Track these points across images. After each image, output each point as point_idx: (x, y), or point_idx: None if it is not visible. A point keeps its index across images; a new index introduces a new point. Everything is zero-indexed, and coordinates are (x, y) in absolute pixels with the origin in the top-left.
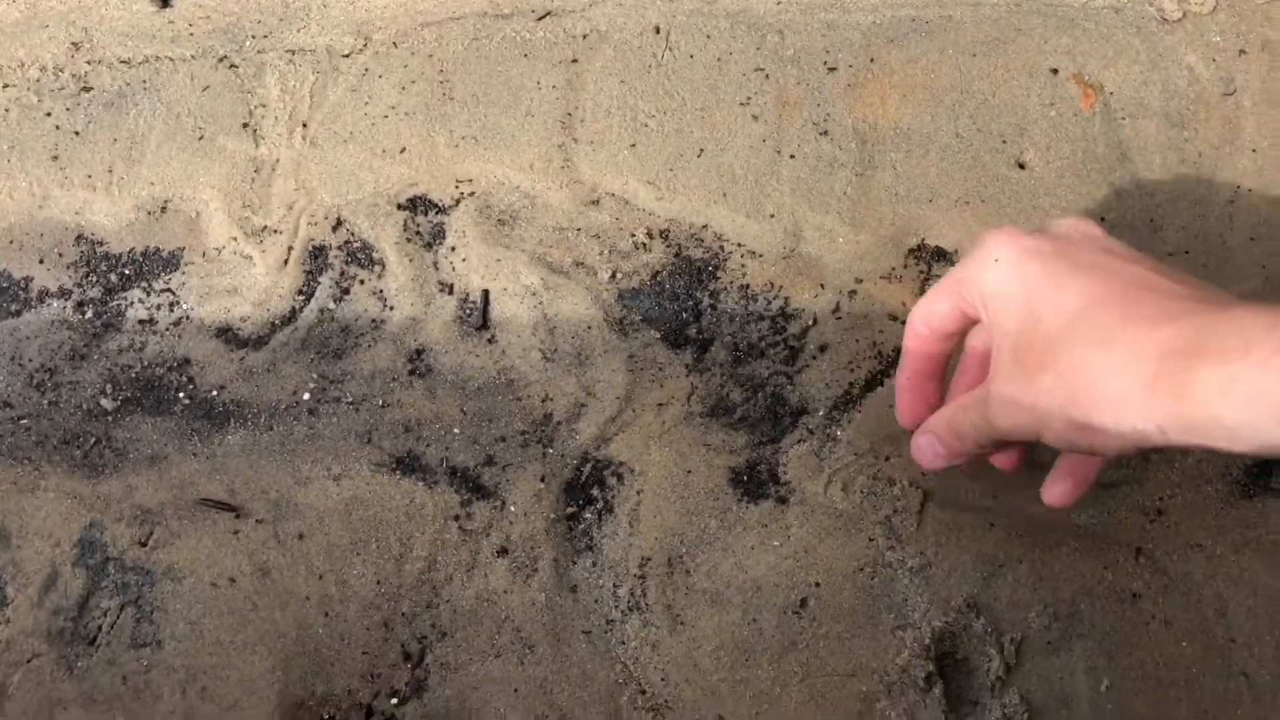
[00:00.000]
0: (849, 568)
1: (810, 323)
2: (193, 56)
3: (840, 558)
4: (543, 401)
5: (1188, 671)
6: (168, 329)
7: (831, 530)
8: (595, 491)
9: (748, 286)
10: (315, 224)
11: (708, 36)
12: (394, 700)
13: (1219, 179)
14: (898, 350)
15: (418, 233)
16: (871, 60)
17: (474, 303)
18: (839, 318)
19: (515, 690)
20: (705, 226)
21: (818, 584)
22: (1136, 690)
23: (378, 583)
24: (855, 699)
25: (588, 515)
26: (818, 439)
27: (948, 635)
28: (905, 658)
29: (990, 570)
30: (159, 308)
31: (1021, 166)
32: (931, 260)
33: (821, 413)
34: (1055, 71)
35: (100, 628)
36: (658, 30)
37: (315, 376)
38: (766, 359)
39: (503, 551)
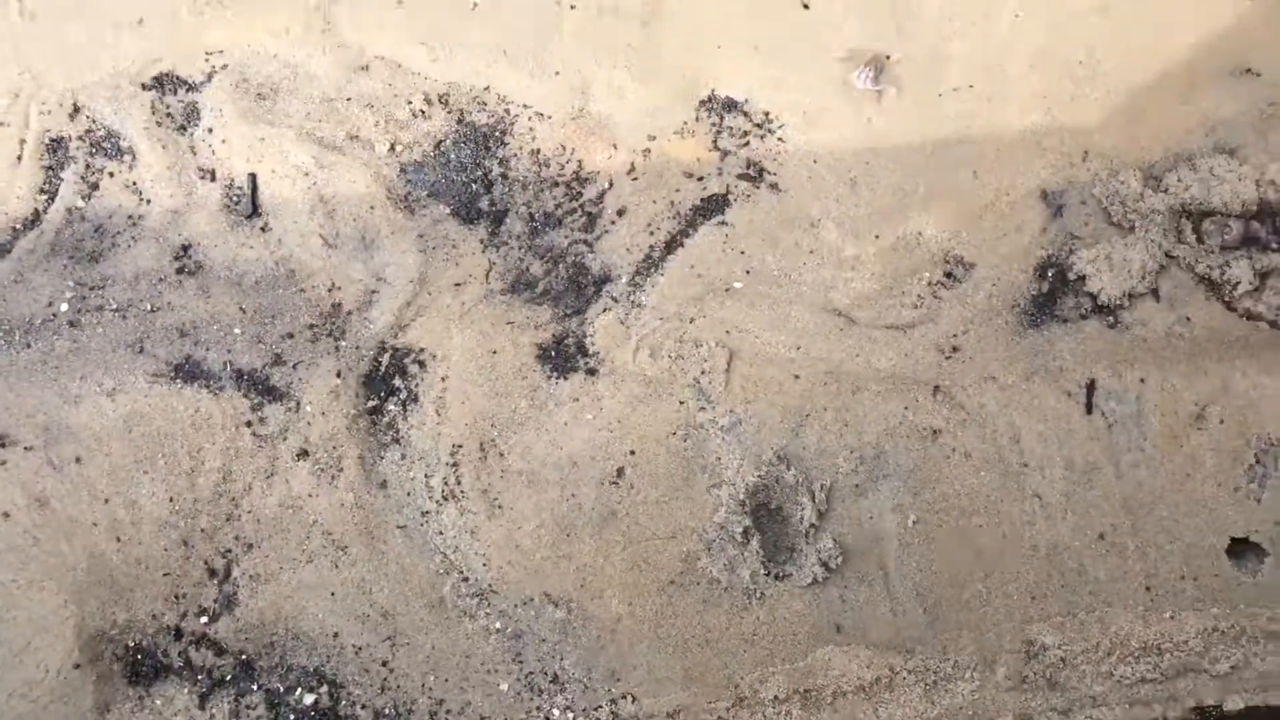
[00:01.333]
0: (662, 433)
1: (606, 186)
2: None
3: (653, 424)
4: (329, 291)
5: (987, 500)
6: None
7: (642, 397)
8: (397, 382)
9: (538, 151)
10: (48, 112)
11: None
12: (204, 619)
13: (998, 7)
14: (695, 209)
15: (168, 114)
16: None
17: (240, 189)
18: (635, 179)
19: (332, 594)
20: (487, 88)
21: (632, 452)
22: (941, 522)
23: (170, 500)
24: (677, 559)
25: (391, 407)
26: (623, 306)
27: (761, 488)
28: (722, 515)
29: (797, 421)
30: None
31: (805, 7)
32: (723, 111)
33: (625, 279)
34: None
35: None
36: None
37: (71, 284)
38: (564, 228)
39: (303, 454)
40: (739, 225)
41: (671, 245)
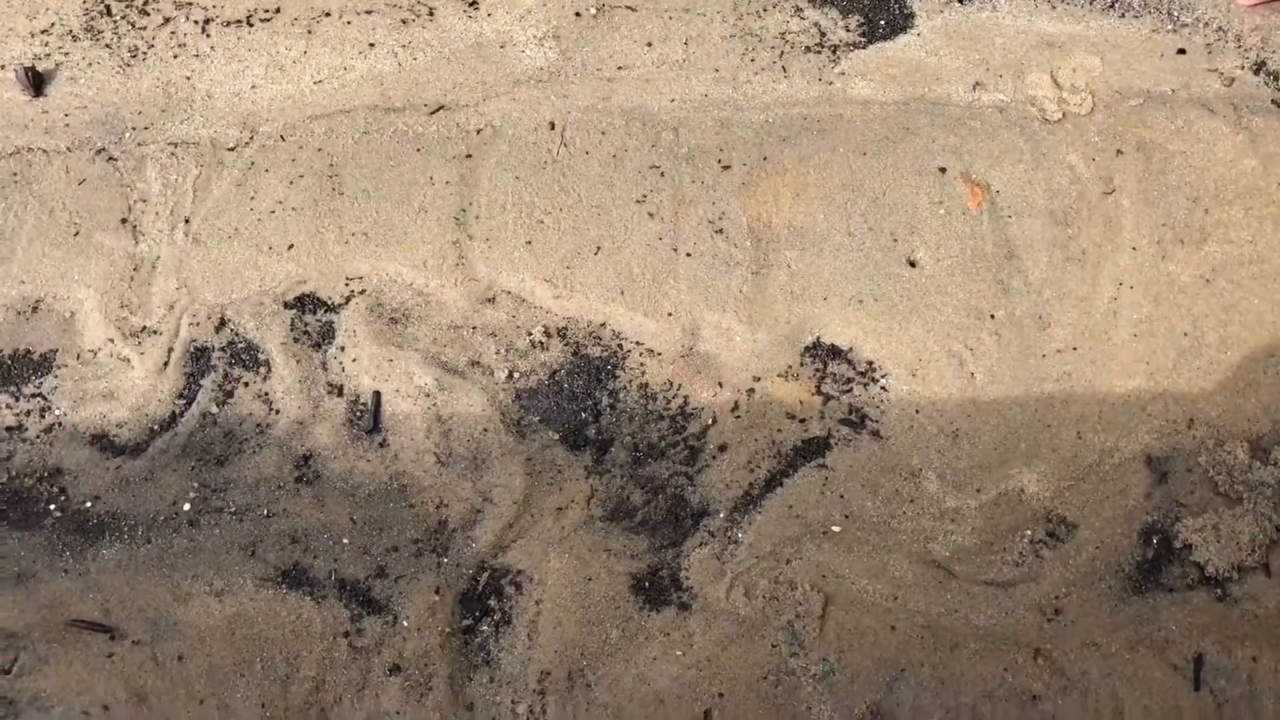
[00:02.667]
0: (752, 676)
1: (709, 422)
2: (68, 148)
3: (743, 666)
4: (437, 508)
5: None
6: (38, 436)
7: (734, 637)
8: (492, 602)
9: (646, 385)
10: (197, 324)
11: (603, 133)
12: None
13: (1102, 276)
14: (796, 449)
15: (305, 332)
16: (765, 159)
17: (365, 405)
18: (738, 416)
19: None
20: (604, 325)
21: (721, 694)
22: None
23: (262, 706)
24: None
25: (484, 628)
26: (719, 542)
27: None
28: None
29: (892, 675)
30: (28, 414)
31: (912, 264)
32: (827, 358)
33: (722, 514)
34: (943, 170)
35: None
36: (553, 126)
37: (196, 485)
38: (666, 459)
39: (395, 669)
40: (839, 469)
41: (771, 484)
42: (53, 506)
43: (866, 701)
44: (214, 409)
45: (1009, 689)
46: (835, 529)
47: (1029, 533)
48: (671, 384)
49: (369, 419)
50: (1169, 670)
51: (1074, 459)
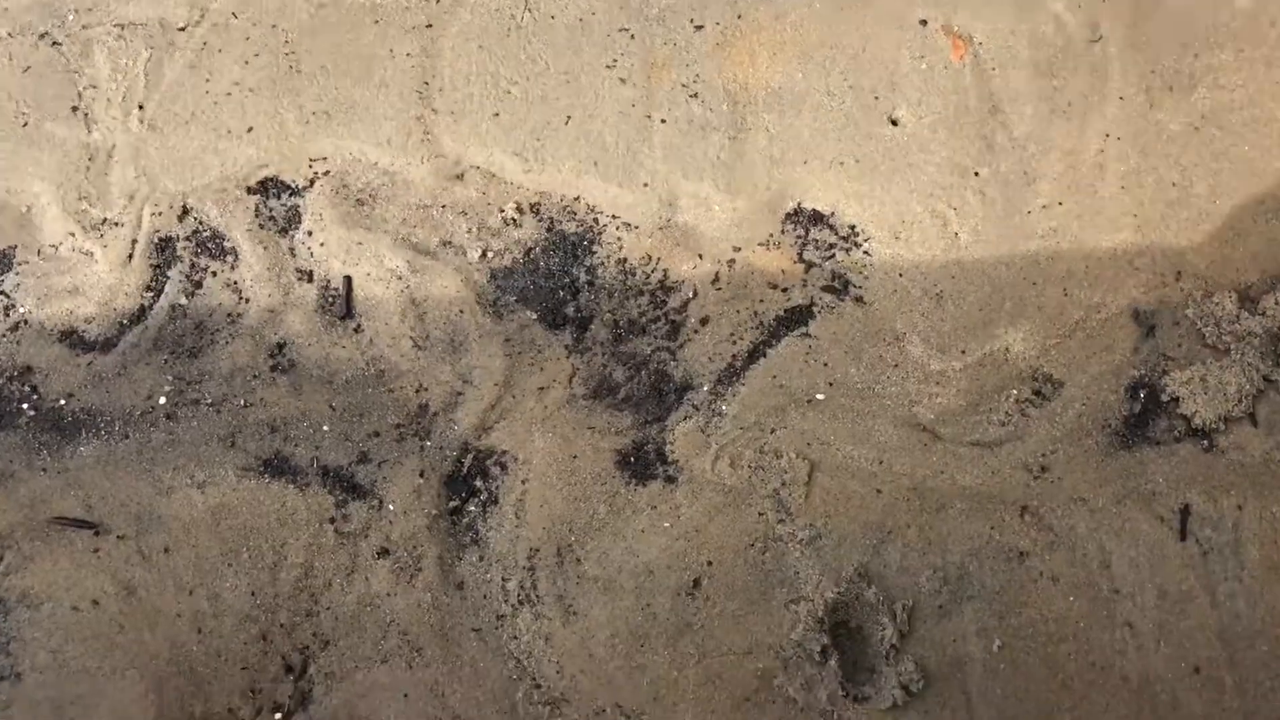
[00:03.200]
0: (740, 544)
1: (690, 295)
2: (9, 34)
3: (731, 534)
4: (417, 392)
5: (1075, 626)
6: (4, 335)
7: (721, 507)
8: (478, 483)
9: (625, 260)
10: (159, 214)
11: None
12: (278, 715)
13: (1088, 127)
14: (779, 319)
15: (271, 218)
16: (739, 17)
17: (336, 290)
18: (719, 288)
19: (405, 695)
20: (577, 198)
21: (710, 563)
22: (1027, 648)
23: (252, 594)
24: (752, 676)
25: (471, 508)
26: (703, 415)
27: (840, 606)
28: (800, 632)
29: (879, 538)
30: None
31: (894, 123)
32: (808, 224)
33: (706, 387)
34: (924, 23)
35: None
36: None
37: (171, 378)
38: (648, 335)
39: (384, 552)
40: (822, 337)
41: (754, 355)
42: (25, 405)
43: (854, 564)
44: (183, 300)
45: (996, 547)
46: (819, 397)
47: (1015, 392)
48: (650, 257)
49: (341, 304)
50: (1156, 522)
51: (1060, 316)
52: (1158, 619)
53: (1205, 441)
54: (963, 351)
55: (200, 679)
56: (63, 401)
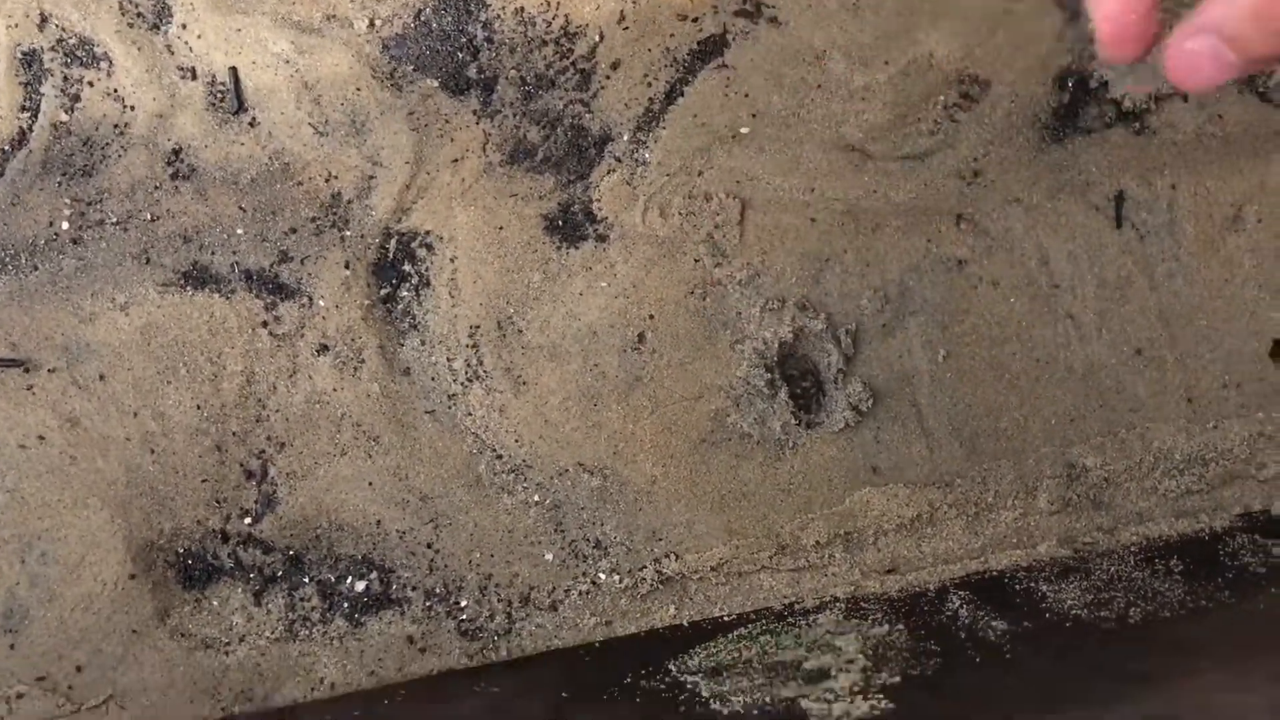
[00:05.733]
0: (679, 293)
1: (597, 39)
2: None
3: (669, 285)
4: (327, 181)
5: (1018, 326)
6: None
7: (656, 259)
8: (407, 267)
9: (522, 9)
10: (16, 25)
11: None
12: (247, 520)
13: None
14: (693, 53)
15: (139, 14)
16: None
17: (224, 84)
18: (625, 28)
19: (369, 483)
20: None
21: (651, 316)
22: (972, 354)
23: (198, 408)
24: (706, 418)
25: (404, 294)
26: (627, 166)
27: (785, 340)
28: (746, 369)
29: (818, 266)
30: None
31: None
32: None
33: (626, 137)
34: None
35: None
36: None
37: (69, 201)
38: (558, 88)
39: (323, 349)
40: (740, 66)
41: (671, 95)
42: None
43: (795, 297)
44: (63, 116)
45: (934, 259)
46: (744, 130)
47: (942, 98)
48: (548, 3)
49: (231, 99)
50: (1091, 212)
51: (982, 10)
52: (1098, 308)
53: (1137, 124)
54: (886, 62)
55: (162, 497)
56: None
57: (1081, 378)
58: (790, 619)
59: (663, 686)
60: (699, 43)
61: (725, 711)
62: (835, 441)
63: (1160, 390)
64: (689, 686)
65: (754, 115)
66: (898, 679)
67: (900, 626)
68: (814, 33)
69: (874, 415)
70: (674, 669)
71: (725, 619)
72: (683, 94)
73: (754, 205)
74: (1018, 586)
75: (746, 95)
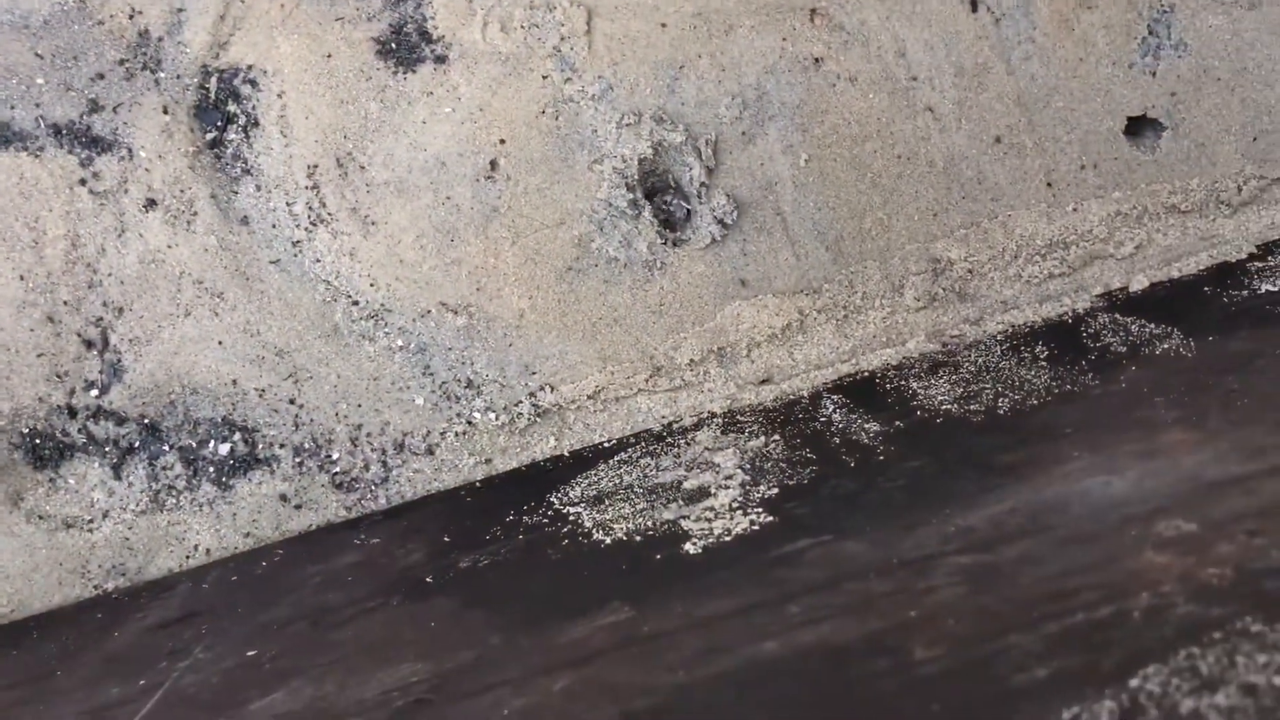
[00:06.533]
0: (529, 114)
1: None
2: None
3: (518, 106)
4: (130, 18)
5: (878, 123)
6: None
7: (501, 79)
8: (231, 107)
9: None
10: None
11: None
12: (94, 392)
13: None
14: None
15: None
16: None
17: None
18: None
19: (220, 342)
20: None
21: (502, 140)
22: (833, 155)
23: (21, 279)
24: (570, 245)
25: (232, 136)
26: None
27: (644, 156)
28: (606, 190)
29: (672, 75)
30: None
31: None
32: None
33: None
34: None
35: None
36: None
37: None
38: None
39: (150, 204)
40: None
41: None
42: None
43: (651, 109)
44: None
45: (790, 58)
46: None
47: None
48: None
49: None
50: (948, 0)
51: None
52: (956, 97)
53: None
54: None
55: None
56: None
57: (943, 171)
58: (669, 439)
59: (545, 520)
60: None
61: (608, 540)
62: (703, 257)
63: (1020, 177)
64: (571, 518)
65: None
66: (775, 491)
67: (776, 437)
68: None
69: (739, 227)
70: (555, 501)
71: (606, 445)
72: None
73: (600, 13)
74: (889, 386)
75: None
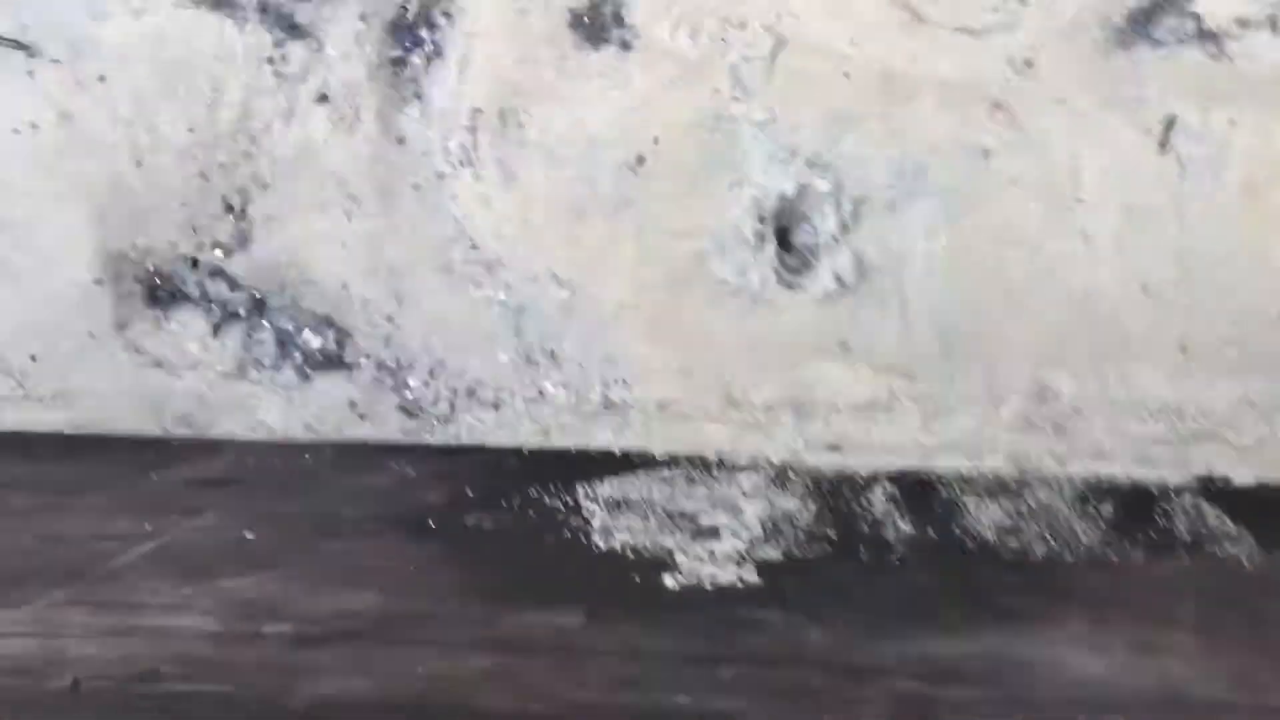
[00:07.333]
0: (690, 120)
1: None
2: None
3: (682, 109)
4: None
5: (1029, 231)
6: None
7: (675, 80)
8: (423, 33)
9: None
10: None
11: None
12: (219, 253)
13: None
14: None
15: None
16: None
17: None
18: None
19: (343, 244)
20: None
21: (656, 139)
22: (973, 249)
23: (190, 130)
24: (687, 257)
25: (415, 60)
26: None
27: (785, 193)
28: (738, 215)
29: (839, 125)
30: None
31: None
32: None
33: None
34: None
35: None
36: None
37: None
38: None
39: (323, 98)
40: None
41: None
42: None
43: (807, 151)
44: None
45: (959, 143)
46: None
47: None
48: None
49: None
50: (1137, 131)
51: None
52: (1116, 232)
53: (1213, 46)
54: None
55: (140, 211)
56: None
57: (1079, 300)
58: (715, 472)
59: (560, 506)
60: None
61: (603, 546)
62: (810, 308)
63: (1157, 332)
64: (585, 513)
65: None
66: (779, 556)
67: (812, 506)
68: None
69: (856, 290)
70: (581, 491)
71: (658, 457)
72: None
73: (789, 45)
74: (945, 494)
75: None
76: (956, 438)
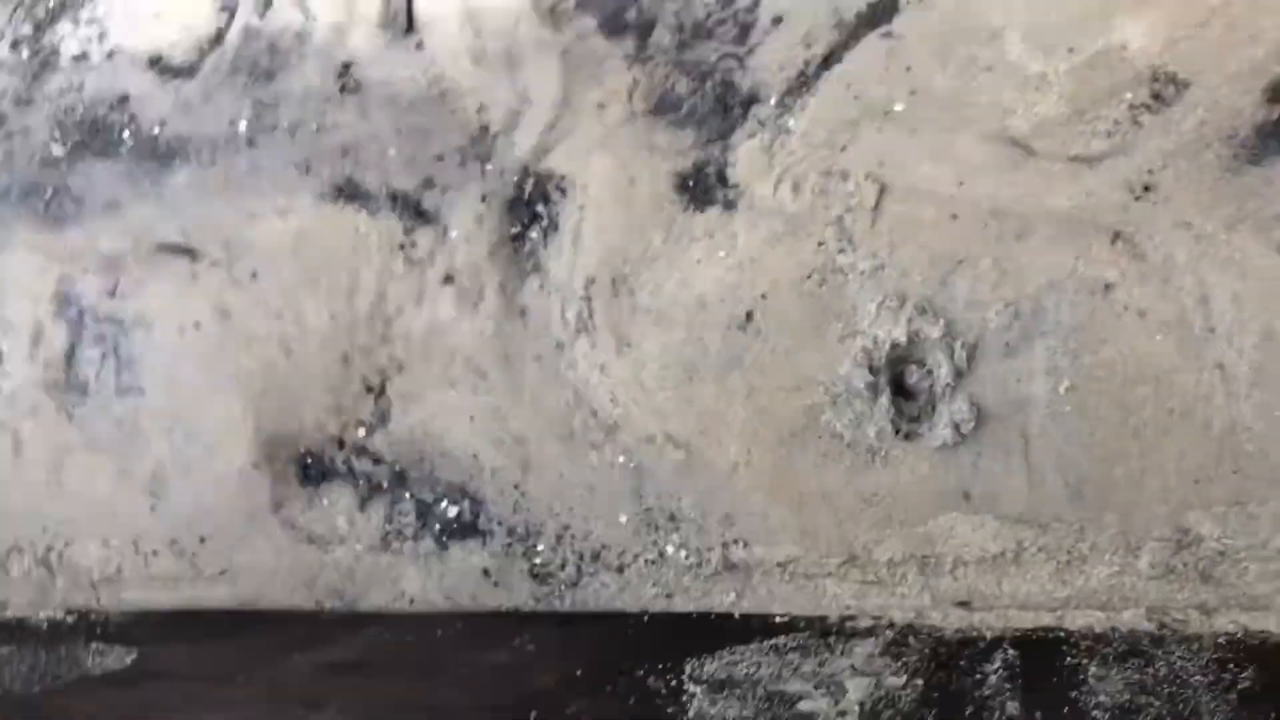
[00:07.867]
0: (797, 275)
1: None
2: None
3: (788, 265)
4: (478, 112)
5: (1158, 368)
6: (101, 63)
7: (780, 236)
8: (539, 208)
9: None
10: None
11: None
12: (361, 431)
13: None
14: (861, 16)
15: None
16: None
17: (397, 3)
18: None
19: (471, 417)
20: None
21: (764, 296)
22: (1100, 390)
23: (332, 318)
24: (800, 412)
25: (533, 235)
26: (769, 131)
27: (898, 341)
28: (850, 367)
29: (948, 268)
30: (89, 40)
31: None
32: None
33: (774, 99)
34: None
35: (89, 377)
36: None
37: (250, 103)
38: (714, 39)
39: (449, 279)
40: (907, 36)
41: (828, 61)
42: (125, 134)
43: (917, 297)
44: (255, 20)
45: (1079, 279)
46: (898, 108)
47: (1129, 96)
48: None
49: (403, 19)
50: (1271, 253)
51: (1194, 1)
52: (1256, 362)
53: None
54: (1071, 49)
55: (291, 397)
56: (157, 129)
57: (1218, 437)
58: (830, 638)
59: (664, 689)
60: (869, 6)
61: None
62: (930, 459)
63: None
64: (684, 699)
65: (912, 93)
66: None
67: (918, 682)
68: (993, 8)
69: (977, 438)
70: (687, 670)
71: (777, 619)
72: (840, 60)
73: (893, 192)
74: (1070, 659)
75: (908, 69)
76: (1093, 589)
